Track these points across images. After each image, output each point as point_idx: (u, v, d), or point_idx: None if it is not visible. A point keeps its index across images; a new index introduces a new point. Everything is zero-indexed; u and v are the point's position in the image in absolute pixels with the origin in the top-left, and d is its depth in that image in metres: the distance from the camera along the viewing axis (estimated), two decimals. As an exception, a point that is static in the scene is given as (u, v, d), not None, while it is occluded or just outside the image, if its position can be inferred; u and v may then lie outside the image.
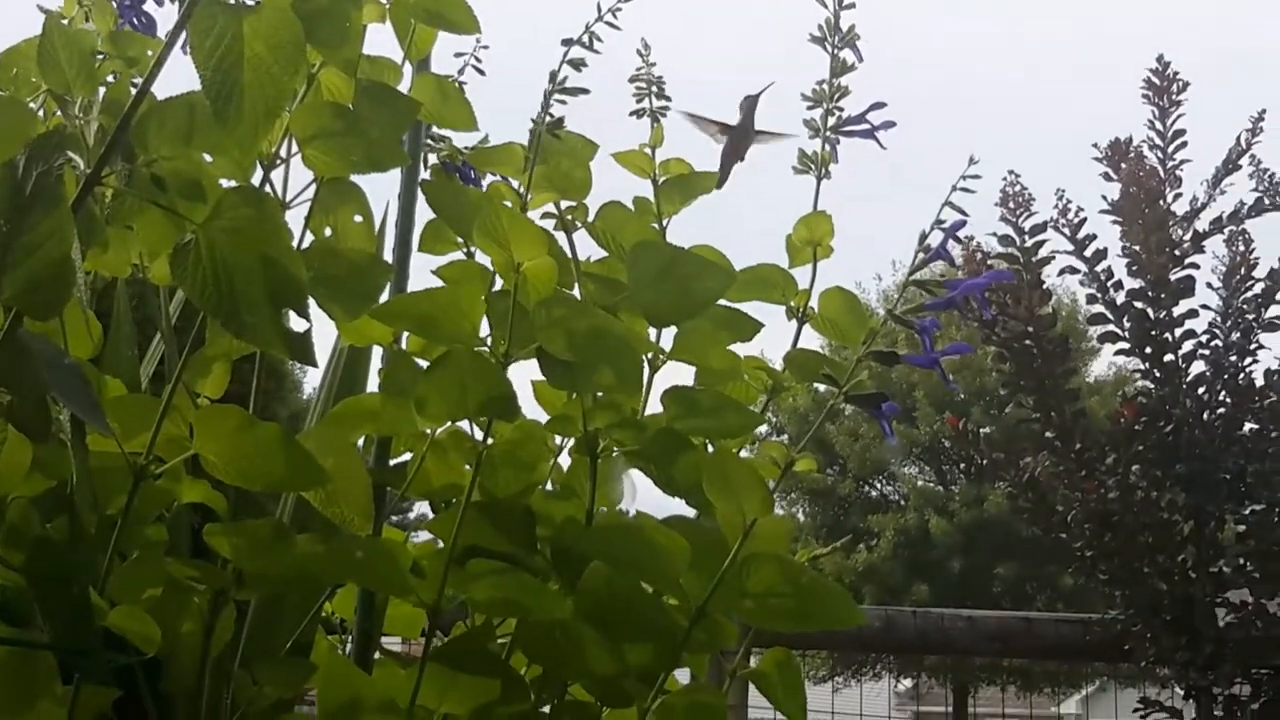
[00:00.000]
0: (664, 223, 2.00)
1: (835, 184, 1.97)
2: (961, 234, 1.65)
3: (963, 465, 26.93)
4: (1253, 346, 4.55)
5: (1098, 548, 4.40)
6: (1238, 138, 4.65)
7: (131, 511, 1.58)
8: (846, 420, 26.20)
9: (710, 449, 1.80)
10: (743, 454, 1.89)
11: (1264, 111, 4.70)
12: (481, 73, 2.03)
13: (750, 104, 2.05)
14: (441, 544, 1.69)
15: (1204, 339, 4.54)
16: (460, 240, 1.84)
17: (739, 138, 2.02)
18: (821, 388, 1.76)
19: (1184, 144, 4.58)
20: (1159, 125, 4.59)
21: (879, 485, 28.80)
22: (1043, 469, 4.50)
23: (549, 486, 1.80)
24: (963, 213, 1.64)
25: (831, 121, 1.96)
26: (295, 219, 1.73)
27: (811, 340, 1.98)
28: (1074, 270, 4.56)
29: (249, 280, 1.41)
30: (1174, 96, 4.57)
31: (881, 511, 27.30)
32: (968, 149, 1.70)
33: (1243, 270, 4.58)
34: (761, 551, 1.56)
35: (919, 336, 1.66)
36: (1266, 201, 4.66)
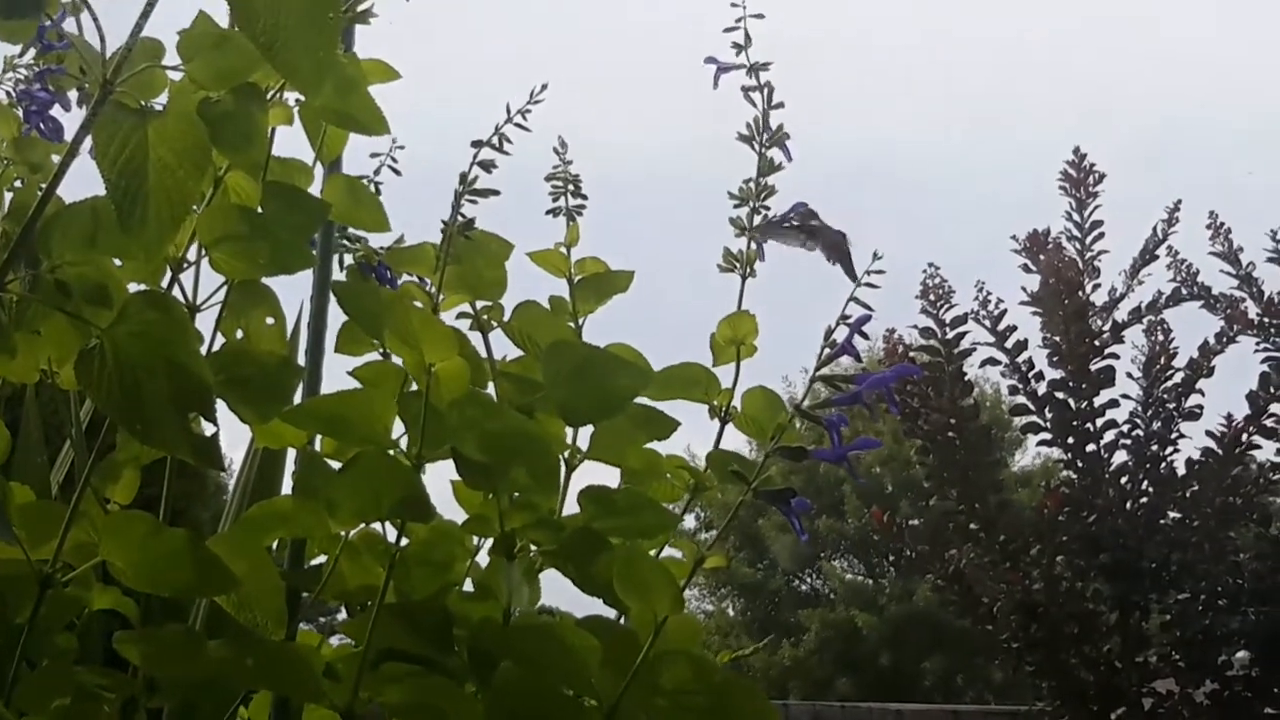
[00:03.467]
0: (580, 321, 2.00)
1: (776, 275, 1.97)
2: (886, 327, 1.66)
3: (891, 559, 26.91)
4: (1174, 436, 4.59)
5: (1024, 639, 4.41)
6: (1154, 228, 4.72)
7: (39, 619, 1.55)
8: (775, 514, 26.14)
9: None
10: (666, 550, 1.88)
11: (1179, 202, 4.76)
12: (397, 173, 2.03)
13: (808, 211, 2.00)
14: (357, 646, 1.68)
15: (1125, 429, 4.58)
16: (375, 341, 1.83)
17: (828, 238, 1.96)
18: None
19: (1101, 235, 4.63)
20: (1076, 217, 4.65)
21: (808, 579, 28.76)
22: (968, 561, 4.51)
23: (468, 586, 1.78)
24: (867, 308, 1.64)
25: (758, 220, 1.96)
26: (208, 321, 1.73)
27: (738, 438, 1.98)
28: (995, 362, 4.60)
29: (154, 385, 1.40)
30: (1090, 188, 4.63)
31: (812, 606, 27.25)
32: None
33: (1162, 360, 4.63)
34: (673, 650, 1.55)
35: (826, 431, 1.66)
36: (1184, 291, 4.72)
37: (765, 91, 1.96)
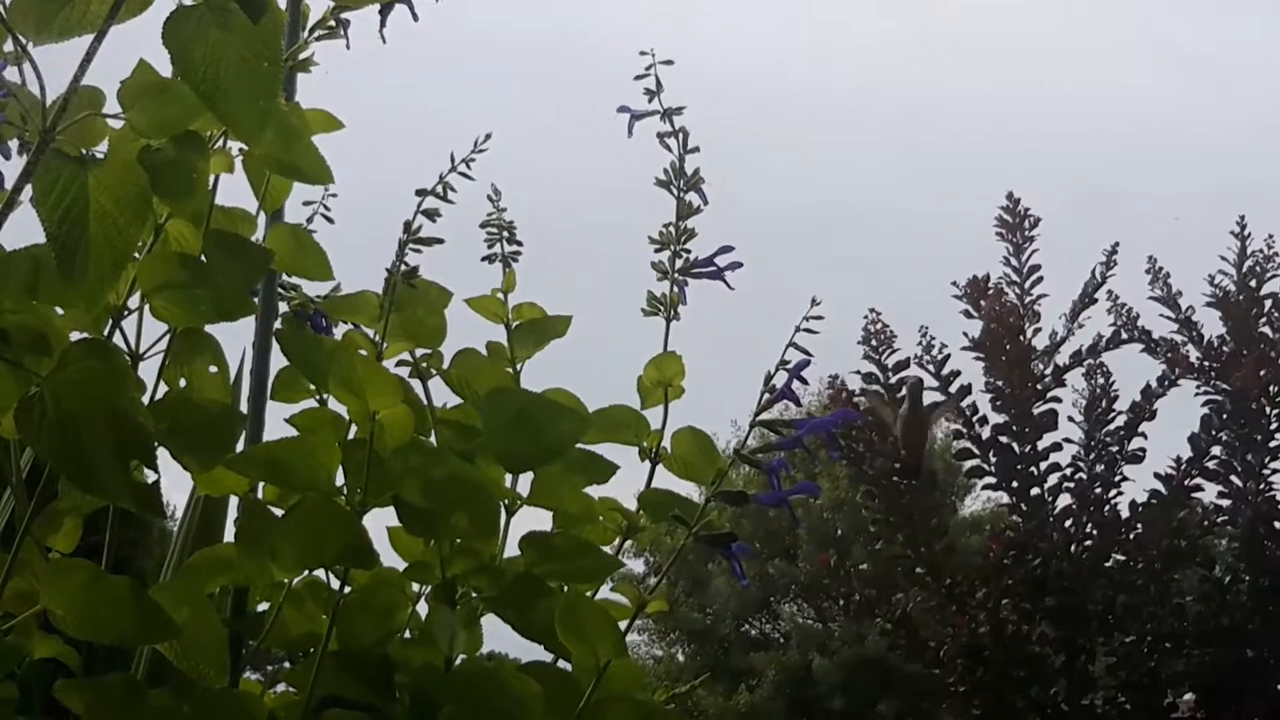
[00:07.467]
0: (518, 368, 2.01)
1: (715, 320, 1.98)
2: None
3: (842, 602, 26.80)
4: (1117, 479, 4.61)
5: (970, 682, 4.42)
6: (1093, 271, 4.75)
7: (-22, 670, 1.55)
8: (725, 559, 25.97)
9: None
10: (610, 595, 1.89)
11: (1117, 244, 4.80)
12: (330, 220, 2.03)
13: (916, 387, 2.03)
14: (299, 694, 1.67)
15: (1069, 472, 4.60)
16: (314, 388, 1.83)
17: (911, 425, 1.96)
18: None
19: (1040, 279, 4.67)
20: (1014, 261, 4.68)
21: (759, 624, 28.64)
22: (914, 605, 4.52)
23: (408, 633, 1.78)
24: (806, 353, 1.66)
25: (679, 264, 1.98)
26: (151, 369, 1.73)
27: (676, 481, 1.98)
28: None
29: (95, 433, 1.40)
30: (1027, 232, 4.66)
31: (763, 650, 27.12)
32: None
33: (1104, 403, 4.66)
34: (615, 694, 1.56)
35: (767, 476, 1.67)
36: (1124, 335, 4.75)
37: (680, 136, 1.98)
